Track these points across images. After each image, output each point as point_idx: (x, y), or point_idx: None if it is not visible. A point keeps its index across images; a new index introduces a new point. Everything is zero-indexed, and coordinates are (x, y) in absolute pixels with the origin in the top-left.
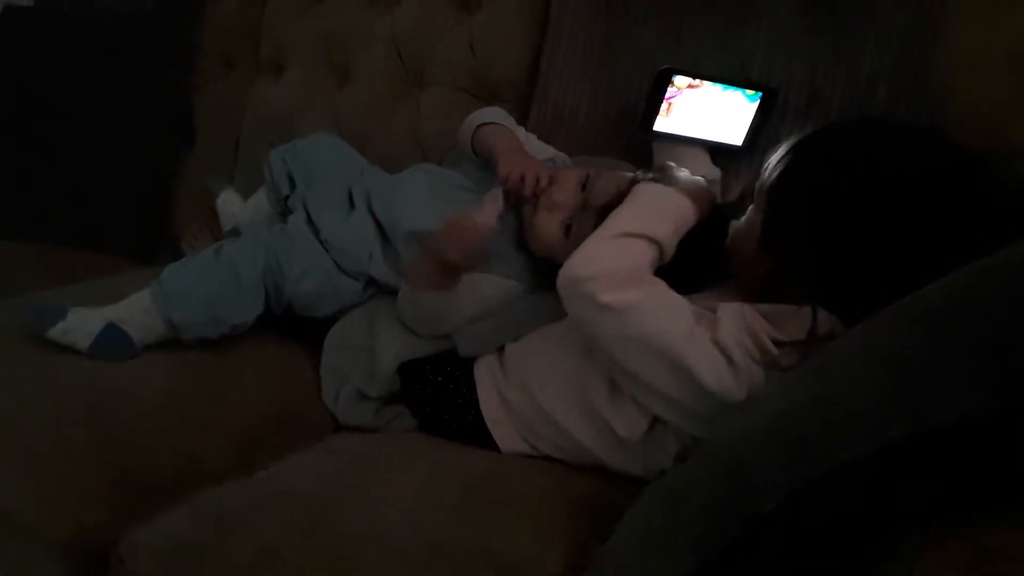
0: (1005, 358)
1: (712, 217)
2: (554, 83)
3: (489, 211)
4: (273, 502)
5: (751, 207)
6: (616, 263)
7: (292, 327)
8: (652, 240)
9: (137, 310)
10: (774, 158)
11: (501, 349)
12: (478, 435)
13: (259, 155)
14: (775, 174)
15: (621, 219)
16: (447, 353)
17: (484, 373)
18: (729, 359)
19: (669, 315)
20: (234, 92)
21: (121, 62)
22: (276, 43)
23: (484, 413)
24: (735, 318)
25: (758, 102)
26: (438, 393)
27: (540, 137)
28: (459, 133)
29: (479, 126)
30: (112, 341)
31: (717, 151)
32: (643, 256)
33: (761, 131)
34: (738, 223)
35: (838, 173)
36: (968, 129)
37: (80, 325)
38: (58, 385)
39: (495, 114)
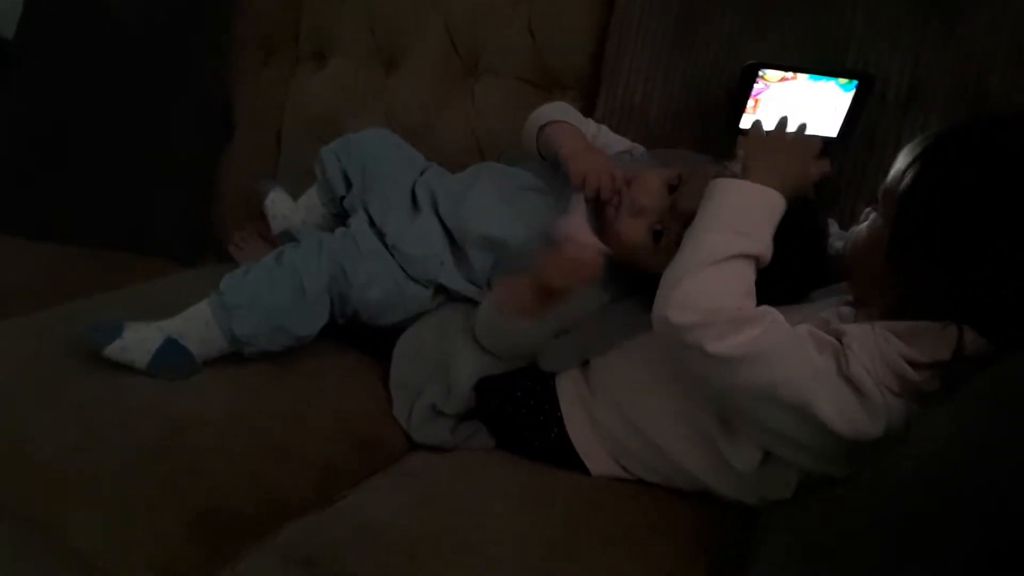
0: None
1: (800, 203)
2: (623, 72)
3: (578, 222)
4: (364, 538)
5: (871, 213)
6: (718, 301)
7: (355, 336)
8: (750, 256)
9: (196, 323)
10: (902, 162)
11: (586, 363)
12: (562, 455)
13: (302, 149)
14: (906, 180)
15: (708, 239)
16: (527, 368)
17: (568, 389)
18: (862, 395)
19: (789, 358)
20: (274, 84)
21: (157, 57)
22: (318, 31)
23: (570, 432)
24: (866, 344)
25: (853, 91)
26: (518, 410)
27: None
28: (523, 132)
29: (543, 126)
30: (172, 358)
31: None
32: (744, 281)
33: (858, 121)
34: (858, 230)
35: (980, 177)
36: None
37: (137, 342)
38: (126, 413)
39: (560, 110)
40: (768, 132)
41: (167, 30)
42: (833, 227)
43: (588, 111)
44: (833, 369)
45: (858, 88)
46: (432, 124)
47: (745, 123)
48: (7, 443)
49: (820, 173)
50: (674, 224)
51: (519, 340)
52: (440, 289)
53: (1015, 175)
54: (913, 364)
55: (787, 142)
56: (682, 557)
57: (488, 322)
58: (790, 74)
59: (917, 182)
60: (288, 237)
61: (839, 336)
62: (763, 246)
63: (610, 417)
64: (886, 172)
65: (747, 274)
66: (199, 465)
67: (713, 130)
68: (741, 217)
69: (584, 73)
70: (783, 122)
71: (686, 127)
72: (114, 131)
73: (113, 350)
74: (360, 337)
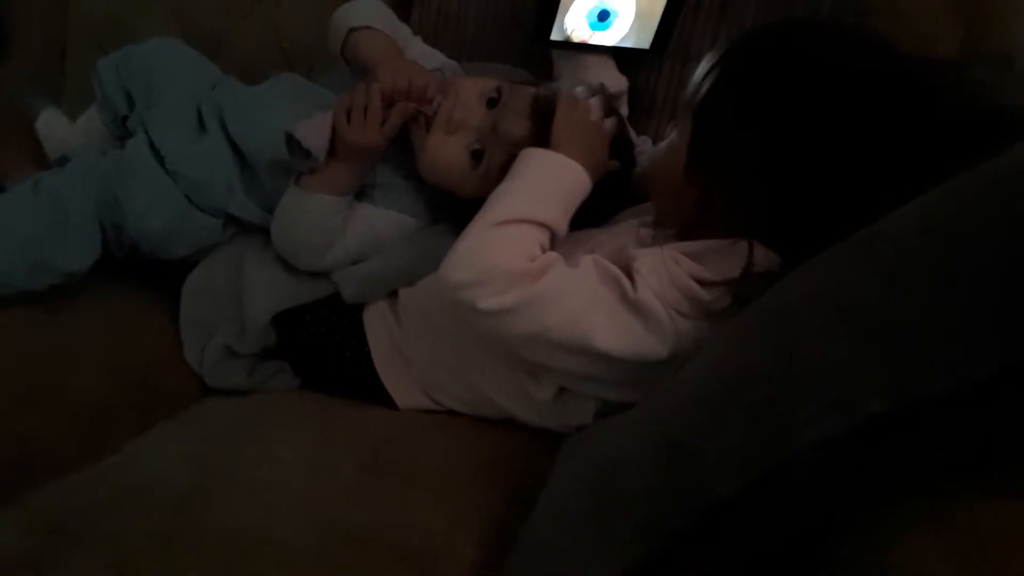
0: (1015, 314)
1: (619, 158)
2: None
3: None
4: (128, 498)
5: (672, 130)
6: (494, 259)
7: (141, 273)
8: (540, 224)
9: None
10: (699, 72)
11: (393, 295)
12: (371, 390)
13: (91, 64)
14: (702, 90)
15: (502, 201)
16: (330, 300)
17: (375, 322)
18: (647, 319)
19: (562, 300)
20: None
21: None
22: None
23: (377, 366)
24: (655, 268)
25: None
26: (323, 345)
27: (425, 42)
28: (328, 32)
29: (351, 30)
30: None
31: (624, 56)
32: (528, 245)
33: (671, 31)
34: (656, 149)
35: (774, 82)
36: (898, 24)
37: None
38: None
39: (369, 8)
40: (579, 103)
41: None
42: (646, 144)
43: (402, 19)
44: (614, 297)
45: None
46: (231, 31)
47: (556, 34)
48: None
49: (613, 167)
50: (495, 147)
51: (316, 218)
52: (232, 219)
53: (809, 81)
54: (704, 283)
55: (596, 127)
56: (484, 486)
57: (284, 203)
58: None
59: (711, 91)
60: (65, 163)
61: (630, 262)
62: (556, 216)
63: (418, 349)
64: None
65: (533, 238)
66: None
67: (531, 47)
68: (541, 184)
69: None
70: (598, 98)
71: (505, 37)
72: None
73: None
74: (145, 273)
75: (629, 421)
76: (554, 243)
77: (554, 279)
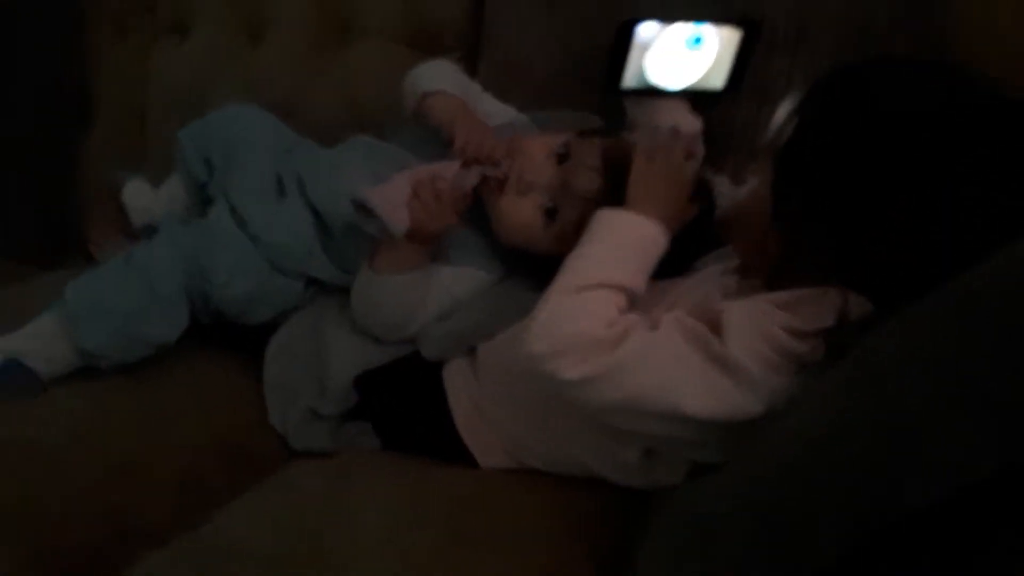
0: None
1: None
2: (502, 28)
3: (449, 168)
4: (219, 564)
5: (752, 174)
6: (575, 328)
7: (224, 337)
8: (619, 287)
9: (41, 338)
10: (778, 116)
11: (472, 350)
12: (453, 449)
13: (171, 132)
14: (784, 136)
15: (578, 267)
16: (410, 358)
17: (455, 379)
18: (738, 376)
19: (648, 366)
20: (133, 62)
21: None
22: (175, 1)
23: (457, 424)
24: (745, 321)
25: (739, 39)
26: (403, 405)
27: (494, 93)
28: (402, 94)
29: (424, 95)
30: (13, 380)
31: (697, 96)
32: (608, 309)
33: (745, 70)
34: (736, 194)
35: (855, 128)
36: (983, 56)
37: None
38: None
39: (441, 71)
40: (655, 153)
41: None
42: (723, 185)
43: (470, 72)
44: (701, 357)
45: (744, 35)
46: (303, 96)
47: (627, 81)
48: None
49: (692, 215)
50: (568, 203)
51: (398, 299)
52: (312, 280)
53: (889, 127)
54: (797, 333)
55: (672, 174)
56: (567, 555)
57: (365, 283)
58: (665, 25)
59: (794, 137)
60: (152, 231)
61: (717, 316)
62: (632, 278)
63: (499, 407)
64: None
65: (610, 302)
66: (34, 495)
67: (602, 98)
68: (616, 247)
69: (463, 31)
70: (676, 144)
71: (573, 85)
72: None
73: None
74: (230, 337)
75: (728, 482)
76: (633, 303)
77: (635, 344)
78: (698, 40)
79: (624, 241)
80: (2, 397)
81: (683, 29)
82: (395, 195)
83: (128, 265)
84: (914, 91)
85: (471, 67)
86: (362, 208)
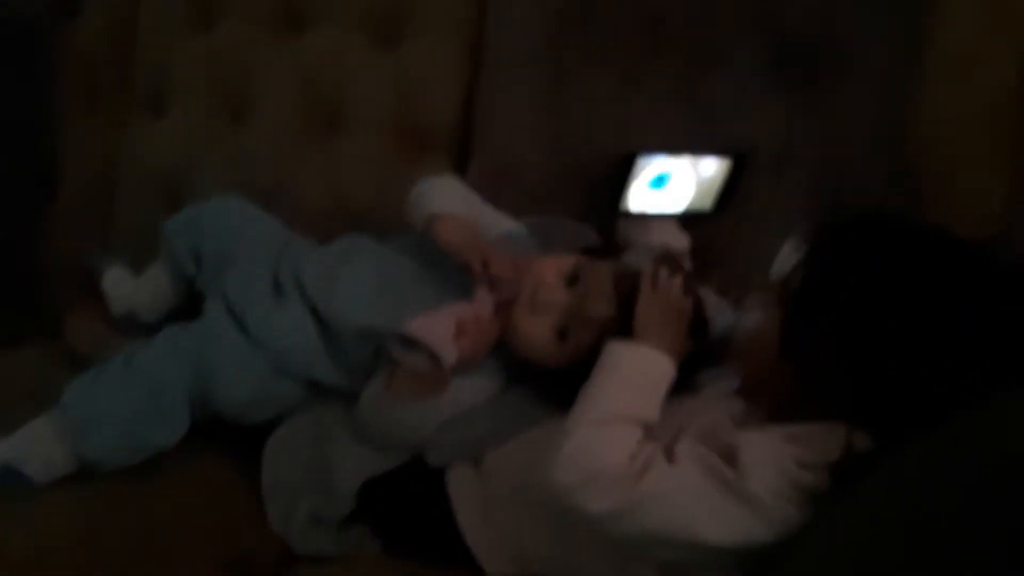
0: None
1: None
2: (494, 130)
3: (484, 303)
4: None
5: (758, 311)
6: (600, 461)
7: (215, 432)
8: (638, 420)
9: (38, 444)
10: (789, 256)
11: (477, 456)
12: (456, 555)
13: (140, 207)
14: (796, 279)
15: (598, 400)
16: (412, 464)
17: (459, 485)
18: (755, 509)
19: (672, 499)
20: (104, 136)
21: None
22: (155, 73)
23: (463, 531)
24: (762, 456)
25: (729, 167)
26: (406, 510)
27: (484, 193)
28: (409, 209)
29: (432, 217)
30: (8, 486)
31: (686, 216)
32: (628, 442)
33: (733, 194)
34: (745, 324)
35: (866, 279)
36: (945, 186)
37: None
38: None
39: (446, 188)
40: (660, 291)
41: None
42: (710, 298)
43: (461, 172)
44: (717, 490)
45: (733, 164)
46: (288, 183)
47: (626, 204)
48: None
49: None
50: (580, 326)
51: (405, 422)
52: (312, 382)
53: (899, 279)
54: (807, 466)
55: (677, 310)
56: None
57: (377, 405)
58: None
59: (808, 283)
60: (131, 320)
61: (734, 451)
62: (651, 411)
63: (508, 514)
64: (760, 240)
65: (632, 435)
66: None
67: (591, 198)
68: (632, 382)
69: (454, 130)
70: (678, 278)
71: (565, 190)
72: None
73: None
74: (224, 431)
75: None
76: (648, 432)
77: (656, 479)
78: (692, 170)
79: (640, 375)
80: None
81: (680, 161)
82: (442, 330)
83: (129, 369)
84: (926, 253)
85: (459, 168)
86: (406, 340)
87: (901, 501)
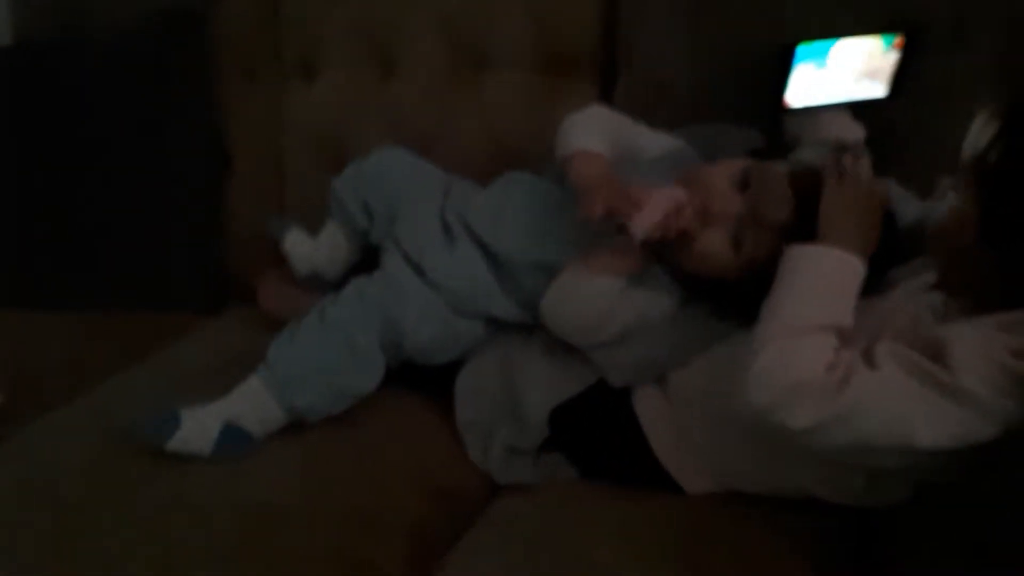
0: None
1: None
2: (640, 48)
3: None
4: None
5: (951, 194)
6: (797, 376)
7: (409, 375)
8: (829, 328)
9: (252, 401)
10: (981, 134)
11: (660, 378)
12: (652, 475)
13: (306, 171)
14: (992, 156)
15: (785, 310)
16: (598, 388)
17: (648, 408)
18: (970, 405)
19: (878, 405)
20: (265, 107)
21: (140, 97)
22: (301, 42)
23: (657, 452)
24: (972, 348)
25: (900, 45)
26: (598, 436)
27: (636, 113)
28: (556, 149)
29: (566, 157)
30: (234, 442)
31: (858, 104)
32: (825, 353)
33: (907, 74)
34: (939, 211)
35: None
36: None
37: (197, 432)
38: (200, 511)
39: (590, 122)
40: (846, 183)
41: (145, 67)
42: (893, 190)
43: (607, 95)
44: (929, 390)
45: (906, 42)
46: (442, 129)
47: (790, 100)
48: (98, 569)
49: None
50: (756, 232)
51: (598, 301)
52: (492, 319)
53: None
54: (1021, 354)
55: (864, 202)
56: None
57: (567, 283)
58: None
59: (1007, 158)
60: (315, 278)
61: (940, 346)
62: (844, 316)
63: (706, 434)
64: (944, 122)
65: (827, 344)
66: (286, 555)
67: (748, 101)
68: (822, 288)
69: (597, 55)
70: (863, 163)
71: (723, 97)
72: (96, 179)
73: (175, 444)
74: (414, 375)
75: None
76: (843, 337)
77: (859, 386)
78: (859, 52)
79: (828, 279)
80: (224, 456)
81: (845, 44)
82: (658, 207)
83: (323, 324)
84: None
85: (606, 90)
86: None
87: None
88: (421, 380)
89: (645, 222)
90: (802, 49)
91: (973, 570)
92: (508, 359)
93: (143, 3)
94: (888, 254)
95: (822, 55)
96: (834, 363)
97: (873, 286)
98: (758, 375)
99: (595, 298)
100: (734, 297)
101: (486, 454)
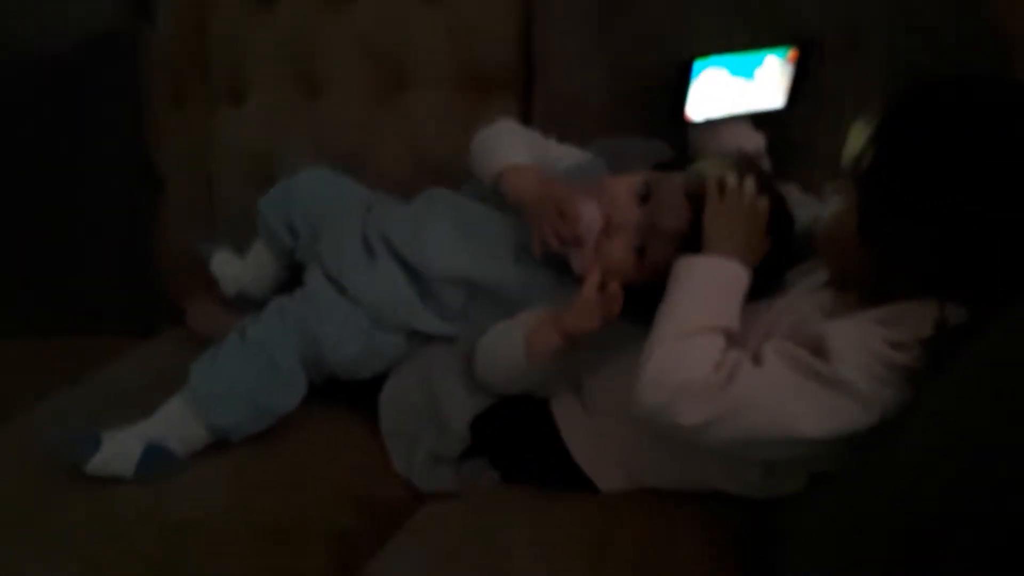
0: None
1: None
2: (553, 63)
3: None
4: None
5: (835, 197)
6: (685, 375)
7: (333, 389)
8: (715, 329)
9: (175, 421)
10: (857, 139)
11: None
12: (569, 476)
13: (237, 192)
14: (866, 160)
15: (673, 316)
16: (516, 395)
17: (565, 412)
18: (851, 395)
19: (762, 400)
20: (194, 130)
21: (59, 121)
22: (229, 66)
23: (573, 452)
24: (850, 341)
25: (795, 58)
26: (518, 441)
27: (551, 126)
28: (474, 164)
29: (500, 173)
30: (157, 462)
31: (758, 116)
32: (712, 352)
33: (803, 84)
34: (822, 218)
35: (939, 145)
36: None
37: (118, 454)
38: (122, 530)
39: (506, 137)
40: (728, 198)
41: (73, 90)
42: (794, 194)
43: (526, 109)
44: (810, 382)
45: (800, 55)
46: (367, 147)
47: (692, 112)
48: None
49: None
50: (656, 241)
51: (536, 379)
52: (414, 332)
53: (969, 137)
54: (899, 345)
55: (749, 214)
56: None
57: (506, 365)
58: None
59: (878, 160)
60: (244, 298)
61: (820, 340)
62: (726, 317)
63: (612, 433)
64: (839, 129)
65: (713, 345)
66: (207, 571)
67: (657, 113)
68: (707, 293)
69: (515, 70)
70: (748, 179)
71: (631, 110)
72: (33, 205)
73: (95, 466)
74: (342, 389)
75: (859, 498)
76: (731, 338)
77: (743, 382)
78: (756, 66)
79: (713, 285)
80: (147, 477)
81: (741, 58)
82: (591, 239)
83: (244, 343)
84: (1003, 109)
85: (525, 105)
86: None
87: (1002, 367)
88: (348, 393)
89: (586, 262)
90: (699, 64)
91: (847, 542)
92: (430, 370)
93: (73, 26)
94: (782, 258)
95: (721, 68)
96: (721, 362)
97: (769, 289)
98: (649, 376)
99: (536, 376)
100: (641, 303)
101: (410, 463)
